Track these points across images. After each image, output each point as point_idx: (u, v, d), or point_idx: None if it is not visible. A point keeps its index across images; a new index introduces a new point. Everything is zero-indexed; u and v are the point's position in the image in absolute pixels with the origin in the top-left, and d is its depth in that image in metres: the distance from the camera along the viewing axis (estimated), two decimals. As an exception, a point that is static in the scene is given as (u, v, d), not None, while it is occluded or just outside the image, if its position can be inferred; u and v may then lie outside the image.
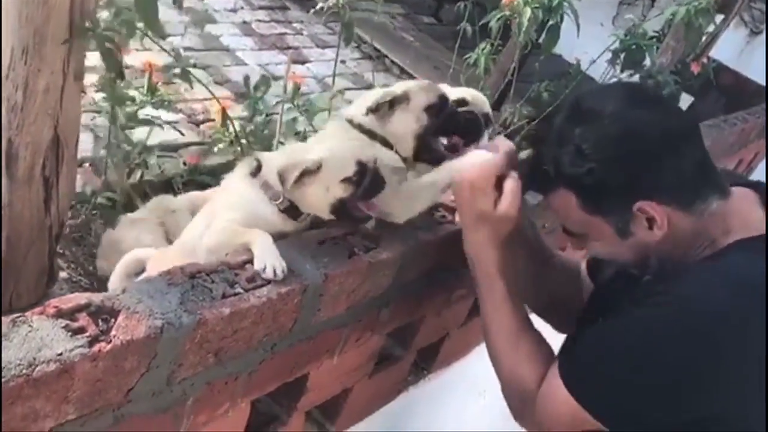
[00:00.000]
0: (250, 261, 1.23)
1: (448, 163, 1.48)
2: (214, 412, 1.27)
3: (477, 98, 1.75)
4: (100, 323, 1.00)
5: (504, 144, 1.48)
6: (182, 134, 2.41)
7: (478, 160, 1.43)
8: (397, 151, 1.54)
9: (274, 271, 1.21)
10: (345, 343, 1.51)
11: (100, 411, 1.02)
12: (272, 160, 1.41)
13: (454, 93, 1.70)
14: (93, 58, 1.72)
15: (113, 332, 0.99)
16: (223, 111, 2.29)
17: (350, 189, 1.37)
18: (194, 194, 2.09)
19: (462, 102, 1.68)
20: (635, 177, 1.25)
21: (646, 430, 1.26)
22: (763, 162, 4.31)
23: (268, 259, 1.23)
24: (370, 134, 1.53)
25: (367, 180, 1.37)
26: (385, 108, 1.52)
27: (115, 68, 1.60)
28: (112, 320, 1.01)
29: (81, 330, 0.97)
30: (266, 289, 1.19)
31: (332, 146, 1.42)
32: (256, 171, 1.42)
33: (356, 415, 1.81)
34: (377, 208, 1.42)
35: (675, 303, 1.23)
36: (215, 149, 2.18)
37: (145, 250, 1.71)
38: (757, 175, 4.31)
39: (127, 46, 1.66)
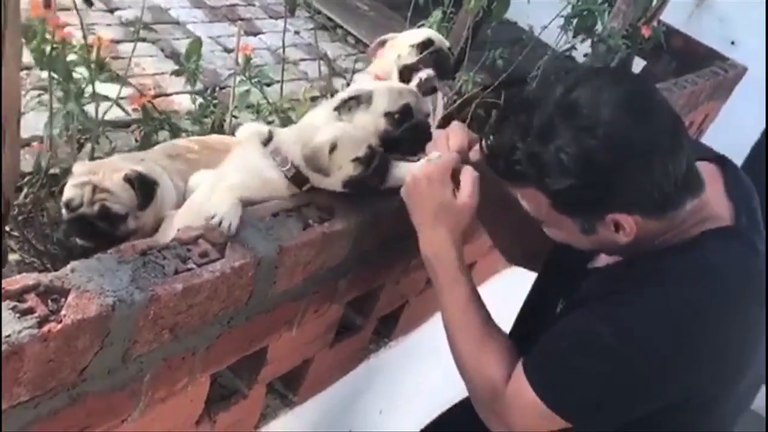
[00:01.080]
0: (202, 236, 1.23)
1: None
2: (173, 388, 1.27)
3: (438, 38, 1.87)
4: (50, 303, 0.99)
5: (456, 137, 1.48)
6: (126, 113, 2.35)
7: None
8: None
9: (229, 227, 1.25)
10: (303, 315, 1.51)
11: (54, 391, 1.02)
12: (288, 139, 1.47)
13: (418, 35, 1.74)
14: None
15: (63, 312, 0.98)
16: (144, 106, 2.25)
17: (360, 168, 1.41)
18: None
19: (429, 43, 1.72)
20: (612, 193, 1.20)
21: (614, 426, 1.27)
22: (713, 124, 4.41)
23: (221, 209, 1.27)
24: None
25: (375, 162, 1.42)
26: (348, 105, 1.53)
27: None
28: (62, 300, 1.00)
29: (29, 311, 0.96)
30: (219, 263, 1.19)
31: (343, 127, 1.46)
32: (268, 140, 1.48)
33: (318, 384, 1.83)
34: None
35: (639, 303, 1.23)
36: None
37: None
38: (707, 137, 4.40)
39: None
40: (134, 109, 2.25)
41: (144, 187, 1.59)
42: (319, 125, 1.48)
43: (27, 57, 1.54)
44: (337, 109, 1.53)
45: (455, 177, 1.40)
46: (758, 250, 1.29)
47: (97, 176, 1.58)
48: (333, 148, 1.40)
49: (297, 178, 1.45)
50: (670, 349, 1.20)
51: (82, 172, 1.60)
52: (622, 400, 1.25)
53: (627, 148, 1.17)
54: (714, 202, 1.31)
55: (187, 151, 1.80)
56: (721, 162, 1.42)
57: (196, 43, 2.38)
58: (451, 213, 1.39)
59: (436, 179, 1.39)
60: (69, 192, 1.56)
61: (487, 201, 1.42)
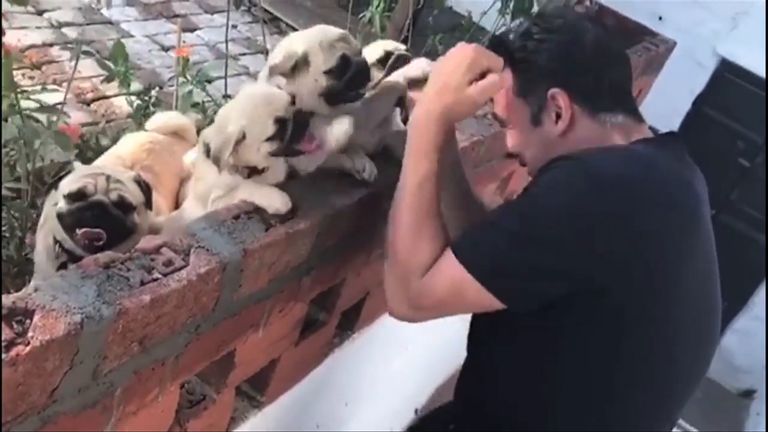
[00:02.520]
0: (165, 245, 1.21)
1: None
2: (144, 400, 1.25)
3: (393, 45, 1.80)
4: (15, 325, 0.96)
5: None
6: (68, 116, 2.28)
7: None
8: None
9: (286, 205, 1.37)
10: (269, 316, 1.51)
11: (25, 415, 0.99)
12: (212, 138, 1.45)
13: (373, 52, 1.72)
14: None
15: (30, 333, 0.95)
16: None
17: (276, 144, 1.43)
18: None
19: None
20: (560, 64, 1.40)
21: (528, 297, 1.28)
22: (647, 98, 4.54)
23: (274, 199, 1.37)
24: None
25: (288, 131, 1.43)
26: (289, 73, 1.51)
27: None
28: (28, 321, 0.97)
29: (-3, 335, 0.93)
30: (185, 271, 1.17)
31: (248, 110, 1.43)
32: (207, 152, 1.47)
33: (285, 383, 1.82)
34: (315, 143, 1.46)
35: (567, 165, 1.30)
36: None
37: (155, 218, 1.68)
38: (642, 112, 4.53)
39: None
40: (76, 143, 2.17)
41: (149, 189, 1.60)
42: (229, 110, 1.48)
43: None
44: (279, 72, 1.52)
45: (484, 75, 1.42)
46: (689, 162, 1.40)
47: (106, 171, 1.56)
48: (242, 138, 1.40)
49: (254, 171, 1.45)
50: (581, 209, 1.24)
51: (86, 168, 1.57)
52: (528, 259, 1.26)
53: (580, 32, 1.42)
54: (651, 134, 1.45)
55: (139, 159, 1.77)
56: (671, 137, 1.49)
57: (120, 45, 2.33)
58: (454, 95, 1.39)
59: (467, 62, 1.39)
60: (78, 182, 1.51)
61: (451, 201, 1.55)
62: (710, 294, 1.39)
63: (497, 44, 1.48)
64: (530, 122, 1.45)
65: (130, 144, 1.84)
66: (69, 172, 1.54)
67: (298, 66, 1.51)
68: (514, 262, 1.27)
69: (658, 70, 4.46)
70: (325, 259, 1.59)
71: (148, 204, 1.59)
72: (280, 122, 1.42)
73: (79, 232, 1.48)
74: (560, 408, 1.36)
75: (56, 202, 1.53)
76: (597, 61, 1.41)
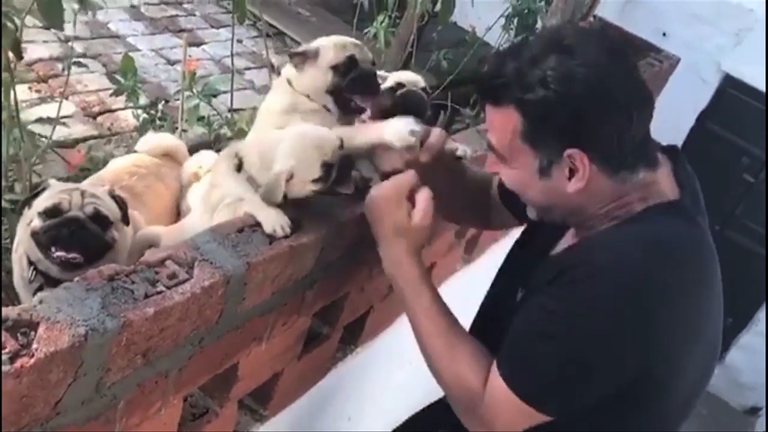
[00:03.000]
0: (169, 257, 1.21)
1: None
2: (147, 412, 1.25)
3: (411, 78, 1.83)
4: (20, 337, 0.96)
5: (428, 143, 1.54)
6: (68, 126, 2.29)
7: (390, 180, 1.49)
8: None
9: (283, 230, 1.36)
10: (272, 329, 1.51)
11: (28, 428, 0.99)
12: (251, 160, 1.50)
13: (390, 79, 1.77)
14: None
15: (35, 345, 0.96)
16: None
17: (320, 185, 1.46)
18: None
19: (399, 85, 1.75)
20: (581, 123, 1.26)
21: (580, 409, 1.28)
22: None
23: (273, 221, 1.36)
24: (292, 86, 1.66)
25: (333, 176, 1.46)
26: (298, 59, 1.63)
27: (11, 45, 1.50)
28: (32, 333, 0.97)
29: (1, 347, 0.93)
30: (189, 284, 1.18)
31: (297, 151, 1.46)
32: (239, 167, 1.50)
33: (288, 397, 1.82)
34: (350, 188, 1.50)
35: (590, 276, 1.25)
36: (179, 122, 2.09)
37: (151, 228, 1.71)
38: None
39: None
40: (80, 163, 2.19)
41: (125, 204, 1.59)
42: (277, 143, 1.49)
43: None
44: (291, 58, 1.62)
45: (412, 196, 1.45)
46: (700, 225, 1.35)
47: (82, 186, 1.56)
48: (290, 177, 1.44)
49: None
50: (621, 323, 1.22)
51: (60, 185, 1.56)
52: (578, 380, 1.26)
53: (605, 82, 1.25)
54: (664, 184, 1.36)
55: (118, 180, 1.77)
56: (671, 151, 1.47)
57: (129, 59, 2.36)
58: (407, 233, 1.44)
59: (392, 200, 1.44)
60: (53, 198, 1.49)
61: (440, 190, 1.50)
62: (718, 337, 1.41)
63: (504, 82, 1.31)
64: (537, 172, 1.32)
65: (113, 167, 1.85)
66: (43, 189, 1.53)
67: (308, 57, 1.61)
68: (557, 385, 1.27)
69: (662, 86, 4.47)
70: (328, 273, 1.59)
71: (125, 219, 1.57)
72: (327, 167, 1.45)
73: (54, 250, 1.47)
74: None
75: (30, 221, 1.51)
76: (625, 117, 1.26)
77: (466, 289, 2.05)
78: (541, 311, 1.29)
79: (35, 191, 1.52)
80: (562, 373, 1.25)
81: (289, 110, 1.68)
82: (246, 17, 2.22)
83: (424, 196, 1.44)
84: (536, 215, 1.46)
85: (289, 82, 1.69)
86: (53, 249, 1.46)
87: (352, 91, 1.65)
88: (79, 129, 2.46)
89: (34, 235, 1.48)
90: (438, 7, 2.69)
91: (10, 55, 1.56)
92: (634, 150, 1.29)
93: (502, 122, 1.33)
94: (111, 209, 1.54)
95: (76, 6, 1.80)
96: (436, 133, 1.54)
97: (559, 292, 1.27)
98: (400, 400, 2.52)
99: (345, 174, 1.48)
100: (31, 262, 1.52)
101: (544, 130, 1.29)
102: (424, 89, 1.79)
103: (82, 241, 1.48)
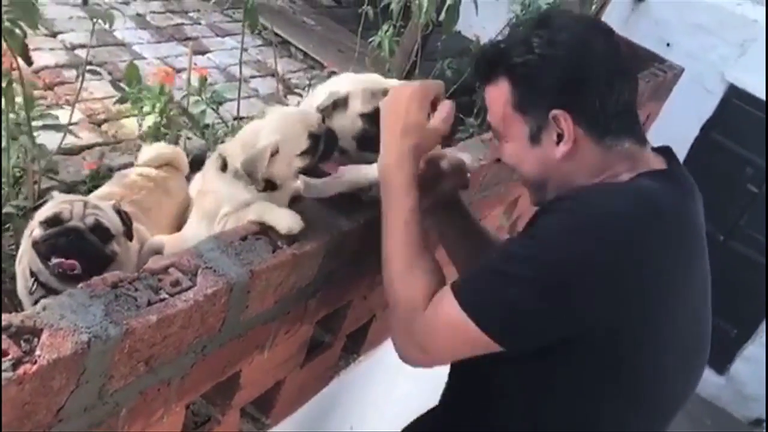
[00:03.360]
0: (173, 265, 1.22)
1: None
2: (149, 420, 1.25)
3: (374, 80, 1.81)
4: (23, 344, 0.97)
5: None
6: (78, 137, 2.30)
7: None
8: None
9: (299, 224, 1.37)
10: (275, 337, 1.51)
11: (30, 434, 0.99)
12: (235, 153, 1.50)
13: (382, 81, 1.76)
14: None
15: (38, 352, 0.96)
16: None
17: (308, 159, 1.47)
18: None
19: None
20: (564, 84, 1.33)
21: (535, 344, 1.25)
22: (655, 123, 4.55)
23: (287, 219, 1.37)
24: None
25: (321, 147, 1.48)
26: (328, 110, 1.62)
27: (20, 51, 1.51)
28: (36, 340, 0.98)
29: (3, 353, 0.94)
30: (192, 292, 1.18)
31: (282, 125, 1.48)
32: (224, 166, 1.51)
33: (290, 405, 1.82)
34: (336, 167, 1.53)
35: (571, 208, 1.27)
36: (142, 128, 2.08)
37: (156, 237, 1.71)
38: (649, 137, 4.53)
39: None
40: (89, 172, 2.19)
41: (129, 219, 1.58)
42: (259, 129, 1.51)
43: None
44: (322, 113, 1.61)
45: (435, 104, 1.45)
46: (686, 194, 1.36)
47: (84, 198, 1.55)
48: (275, 151, 1.45)
49: (270, 185, 1.49)
50: (595, 257, 1.21)
51: (63, 196, 1.56)
52: (541, 308, 1.22)
53: (585, 48, 1.34)
54: (652, 160, 1.39)
55: (127, 195, 1.77)
56: (665, 151, 1.48)
57: (134, 68, 2.37)
58: (420, 132, 1.43)
59: (416, 99, 1.43)
60: (54, 207, 1.49)
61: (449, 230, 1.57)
62: (702, 318, 1.39)
63: (494, 54, 1.40)
64: (528, 140, 1.38)
65: (120, 181, 1.85)
66: (47, 200, 1.52)
67: (338, 105, 1.62)
68: (517, 309, 1.23)
69: (666, 96, 4.48)
70: (331, 281, 1.59)
71: (129, 234, 1.56)
72: (314, 138, 1.47)
73: (53, 260, 1.46)
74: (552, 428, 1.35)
75: (31, 231, 1.50)
76: (605, 82, 1.32)
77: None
78: (516, 238, 1.35)
79: (39, 203, 1.53)
80: (523, 296, 1.21)
81: None
82: (257, 26, 2.23)
83: (446, 105, 1.45)
84: (533, 198, 1.48)
85: None
86: (52, 258, 1.46)
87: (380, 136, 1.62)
88: (84, 136, 2.46)
89: (35, 244, 1.48)
90: (442, 16, 2.70)
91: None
92: (617, 116, 1.34)
93: (496, 96, 1.40)
94: (113, 222, 1.53)
95: (80, 14, 1.80)
96: (447, 106, 1.48)
97: (538, 222, 1.31)
98: (402, 410, 2.52)
99: (330, 148, 1.50)
100: (33, 273, 1.52)
101: (531, 93, 1.35)
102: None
103: (80, 251, 1.47)
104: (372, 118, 1.60)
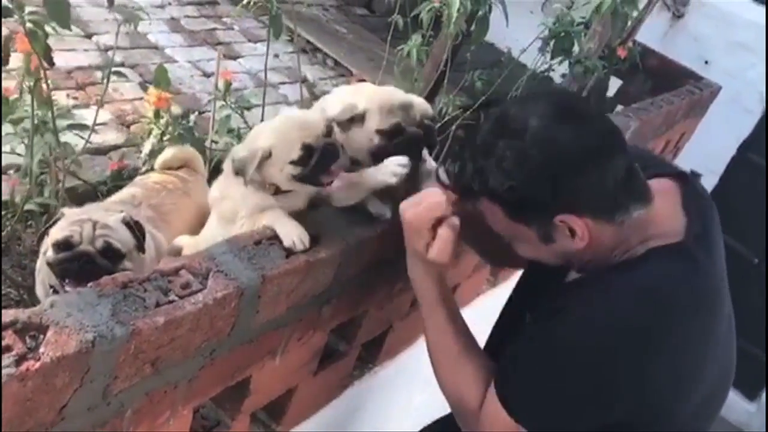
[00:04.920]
0: (184, 267, 1.21)
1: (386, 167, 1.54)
2: (155, 422, 1.24)
3: (421, 104, 1.78)
4: (28, 340, 0.96)
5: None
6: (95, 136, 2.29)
7: (424, 198, 1.45)
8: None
9: (303, 243, 1.35)
10: (287, 343, 1.49)
11: (32, 431, 0.99)
12: (240, 151, 1.50)
13: (400, 96, 1.74)
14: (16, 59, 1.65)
15: (42, 349, 0.95)
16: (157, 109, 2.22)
17: (299, 170, 1.45)
18: None
19: (408, 106, 1.72)
20: (555, 193, 1.26)
21: None
22: (690, 142, 4.47)
23: (293, 234, 1.35)
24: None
25: (315, 159, 1.45)
26: (344, 124, 1.61)
27: (42, 51, 1.53)
28: (41, 336, 0.97)
29: (7, 349, 0.93)
30: (201, 294, 1.17)
31: (279, 131, 1.48)
32: (237, 171, 1.51)
33: (302, 413, 1.80)
34: (335, 176, 1.49)
35: (582, 320, 1.29)
36: (141, 155, 2.11)
37: (177, 239, 1.73)
38: (684, 155, 4.45)
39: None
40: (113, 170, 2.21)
41: (141, 230, 1.57)
42: (262, 130, 1.51)
43: None
44: (339, 127, 1.60)
45: (438, 225, 1.42)
46: (700, 267, 1.33)
47: (94, 215, 1.54)
48: (268, 155, 1.45)
49: (278, 191, 1.49)
50: (606, 368, 1.26)
51: (74, 214, 1.56)
52: (571, 411, 1.30)
53: (554, 146, 1.25)
54: (667, 217, 1.36)
55: (148, 198, 1.78)
56: (681, 177, 1.46)
57: (162, 70, 2.39)
58: (423, 261, 1.45)
59: (415, 228, 1.43)
60: (65, 230, 1.50)
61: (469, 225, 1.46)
62: (728, 357, 1.42)
63: (470, 183, 1.32)
64: (541, 241, 1.34)
65: (140, 183, 1.86)
66: (58, 218, 1.53)
67: (354, 120, 1.61)
68: (558, 414, 1.31)
69: (702, 114, 4.39)
70: (346, 290, 1.57)
71: (140, 248, 1.56)
72: (307, 149, 1.45)
73: (66, 284, 1.48)
74: None
75: (46, 250, 1.53)
76: (591, 172, 1.26)
77: (491, 311, 2.01)
78: (539, 344, 1.34)
79: (52, 221, 1.54)
80: (555, 404, 1.30)
81: None
82: (281, 32, 2.23)
83: (445, 232, 1.42)
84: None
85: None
86: (65, 281, 1.47)
87: (398, 152, 1.61)
88: (112, 137, 2.49)
89: (49, 265, 1.50)
90: (473, 27, 2.68)
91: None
92: (618, 192, 1.28)
93: (489, 213, 1.35)
94: (123, 240, 1.53)
95: (119, 17, 1.83)
96: (446, 232, 1.44)
97: (556, 328, 1.32)
98: (419, 423, 2.49)
99: (327, 162, 1.47)
100: (51, 285, 1.54)
101: (525, 210, 1.31)
102: (432, 117, 1.75)
103: (91, 275, 1.46)
104: (388, 135, 1.61)
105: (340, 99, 1.66)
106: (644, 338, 1.25)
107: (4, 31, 1.49)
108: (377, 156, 1.60)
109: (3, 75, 1.64)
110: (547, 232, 1.31)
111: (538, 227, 1.32)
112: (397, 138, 1.62)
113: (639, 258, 1.32)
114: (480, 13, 2.51)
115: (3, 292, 1.84)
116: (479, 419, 1.37)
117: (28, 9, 1.44)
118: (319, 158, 1.45)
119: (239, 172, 1.46)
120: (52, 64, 1.58)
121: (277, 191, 1.48)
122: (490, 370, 1.40)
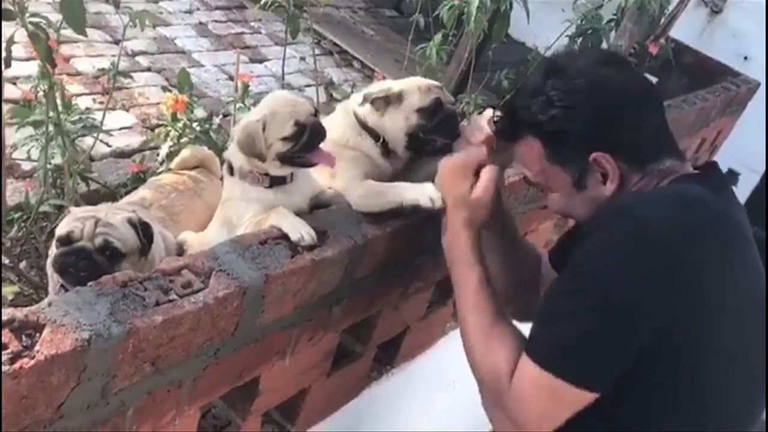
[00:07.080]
0: (186, 266, 1.21)
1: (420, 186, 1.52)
2: (159, 422, 1.24)
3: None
4: (24, 339, 0.97)
5: (481, 127, 1.56)
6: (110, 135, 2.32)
7: (464, 150, 1.52)
8: (385, 144, 1.66)
9: (310, 236, 1.35)
10: (296, 344, 1.48)
11: (30, 429, 0.99)
12: (233, 152, 1.55)
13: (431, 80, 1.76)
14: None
15: (37, 347, 0.96)
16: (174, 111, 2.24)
17: (289, 145, 1.49)
18: None
19: (441, 87, 1.77)
20: (596, 128, 1.33)
21: (618, 370, 1.20)
22: (726, 141, 4.35)
23: (300, 228, 1.36)
24: (362, 124, 1.67)
25: (305, 137, 1.48)
26: (380, 103, 1.64)
27: (44, 54, 1.54)
28: (37, 335, 0.98)
29: (3, 347, 0.94)
30: (202, 294, 1.16)
31: (271, 107, 1.52)
32: (231, 170, 1.56)
33: (317, 414, 1.79)
34: (321, 158, 1.52)
35: (614, 223, 1.22)
36: (159, 157, 2.12)
37: (182, 234, 1.75)
38: (722, 154, 4.34)
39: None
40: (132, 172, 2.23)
41: (147, 231, 1.55)
42: (251, 113, 1.55)
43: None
44: (370, 102, 1.63)
45: (479, 171, 1.46)
46: (727, 197, 1.34)
47: (99, 213, 1.55)
48: (263, 127, 1.47)
49: (275, 181, 1.52)
50: (648, 268, 1.17)
51: (80, 211, 1.57)
52: (612, 335, 1.18)
53: (604, 86, 1.34)
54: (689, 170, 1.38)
55: (158, 199, 1.79)
56: (709, 166, 1.43)
57: (185, 73, 2.41)
58: (467, 205, 1.45)
59: (458, 172, 1.47)
60: (67, 225, 1.50)
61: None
62: (756, 319, 1.31)
63: (515, 115, 1.41)
64: (573, 187, 1.38)
65: (153, 184, 1.87)
66: (65, 216, 1.54)
67: (391, 101, 1.63)
68: (591, 343, 1.19)
69: (740, 111, 4.28)
70: (357, 290, 1.56)
71: (144, 250, 1.55)
72: (299, 126, 1.48)
73: (64, 279, 1.49)
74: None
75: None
76: (631, 112, 1.33)
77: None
78: (565, 273, 1.26)
79: (59, 219, 1.55)
80: (591, 328, 1.18)
81: (345, 144, 1.68)
82: (298, 33, 2.24)
83: (488, 171, 1.46)
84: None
85: (358, 120, 1.69)
86: (64, 276, 1.48)
87: (437, 132, 1.66)
88: (136, 140, 2.52)
89: (53, 260, 1.52)
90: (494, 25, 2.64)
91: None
92: (652, 140, 1.35)
93: (527, 153, 1.41)
94: (125, 240, 1.51)
95: (147, 21, 1.84)
96: (487, 173, 1.47)
97: (581, 247, 1.24)
98: (440, 426, 2.45)
99: (316, 140, 1.50)
100: (60, 283, 1.56)
101: (564, 145, 1.36)
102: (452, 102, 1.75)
103: (87, 272, 1.46)
104: (428, 112, 1.62)
105: (376, 86, 1.68)
106: (681, 234, 1.20)
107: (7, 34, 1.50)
108: (412, 140, 1.63)
109: (21, 79, 1.66)
110: (580, 176, 1.36)
111: (572, 169, 1.36)
112: (438, 116, 1.64)
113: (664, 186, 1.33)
114: (501, 9, 2.48)
115: (25, 293, 1.87)
116: (510, 390, 1.24)
117: (31, 10, 1.45)
118: (308, 136, 1.48)
119: (248, 152, 1.48)
120: (54, 65, 1.60)
121: (272, 184, 1.49)
122: (521, 339, 1.32)
